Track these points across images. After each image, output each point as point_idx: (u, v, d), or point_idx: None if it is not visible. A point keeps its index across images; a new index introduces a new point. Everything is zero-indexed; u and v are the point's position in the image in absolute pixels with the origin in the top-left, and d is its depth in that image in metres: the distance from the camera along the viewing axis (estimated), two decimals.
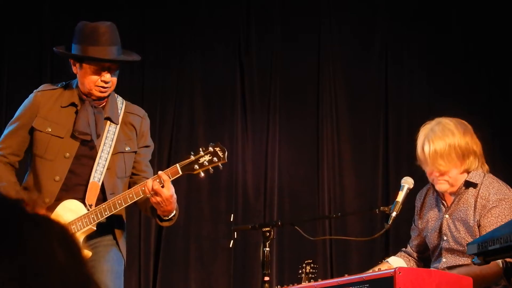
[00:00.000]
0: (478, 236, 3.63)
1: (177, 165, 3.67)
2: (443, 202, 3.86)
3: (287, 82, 5.91)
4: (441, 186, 3.81)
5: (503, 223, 3.58)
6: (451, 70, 5.72)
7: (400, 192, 3.73)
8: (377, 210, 3.79)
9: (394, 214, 3.66)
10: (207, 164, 3.66)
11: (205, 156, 3.66)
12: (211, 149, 3.67)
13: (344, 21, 5.89)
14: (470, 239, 3.64)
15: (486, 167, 3.83)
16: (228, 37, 6.00)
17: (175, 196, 3.68)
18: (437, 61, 5.74)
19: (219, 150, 3.67)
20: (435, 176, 3.80)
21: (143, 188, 3.65)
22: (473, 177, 3.76)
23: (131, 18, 6.02)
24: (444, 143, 3.72)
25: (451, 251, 3.76)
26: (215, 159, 3.66)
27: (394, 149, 5.65)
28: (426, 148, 3.76)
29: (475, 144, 3.78)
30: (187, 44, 6.02)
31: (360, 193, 5.68)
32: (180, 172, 3.66)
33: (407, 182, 3.76)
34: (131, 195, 3.68)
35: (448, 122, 3.79)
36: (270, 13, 5.96)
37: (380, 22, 5.83)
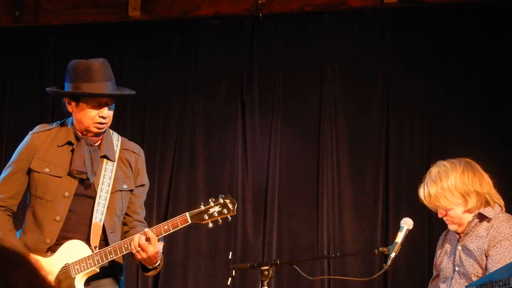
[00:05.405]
0: (485, 267, 3.67)
1: (187, 213, 3.68)
2: (457, 234, 3.87)
3: (288, 121, 5.91)
4: (450, 226, 3.88)
5: (510, 256, 3.60)
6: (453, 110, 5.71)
7: (399, 233, 3.74)
8: (376, 251, 3.80)
9: (393, 255, 3.68)
10: (216, 215, 3.68)
11: (215, 207, 3.69)
12: (221, 200, 3.70)
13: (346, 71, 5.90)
14: (478, 270, 3.68)
15: (499, 203, 3.83)
16: (230, 80, 6.04)
17: (160, 251, 3.69)
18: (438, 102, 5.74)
19: (229, 202, 3.70)
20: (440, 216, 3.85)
21: (126, 245, 3.66)
22: (487, 212, 3.78)
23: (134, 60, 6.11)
24: (436, 187, 3.79)
25: (460, 281, 3.76)
26: (224, 210, 3.69)
27: (394, 189, 5.64)
28: (421, 192, 3.86)
29: (477, 183, 3.79)
30: (190, 85, 6.07)
31: (359, 233, 5.66)
32: (189, 221, 3.67)
33: (406, 223, 3.77)
34: (126, 245, 3.67)
35: (444, 165, 3.85)
36: (272, 64, 6.00)
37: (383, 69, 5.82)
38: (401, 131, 5.73)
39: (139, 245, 3.61)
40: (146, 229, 3.66)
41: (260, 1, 5.84)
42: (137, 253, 3.63)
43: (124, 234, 3.88)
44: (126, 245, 3.68)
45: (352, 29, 5.89)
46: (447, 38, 5.71)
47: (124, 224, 3.92)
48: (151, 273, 3.85)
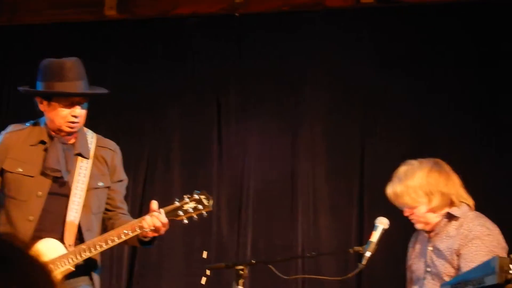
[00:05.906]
0: (456, 266, 3.70)
1: (162, 210, 3.67)
2: (427, 233, 3.88)
3: (265, 122, 5.91)
4: (416, 225, 3.90)
5: (483, 254, 3.63)
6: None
7: (374, 232, 3.76)
8: (351, 250, 3.80)
9: (368, 254, 3.69)
10: (191, 211, 3.68)
11: (190, 203, 3.69)
12: (196, 196, 3.70)
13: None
14: (450, 270, 3.70)
15: (467, 203, 3.85)
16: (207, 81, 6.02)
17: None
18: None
19: (205, 198, 3.70)
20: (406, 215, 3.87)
21: (140, 225, 3.65)
22: (455, 211, 3.80)
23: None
24: (402, 185, 3.84)
25: (432, 282, 3.78)
26: (199, 206, 3.68)
27: (370, 188, 5.64)
28: (388, 190, 3.90)
29: (442, 183, 3.82)
30: (169, 85, 6.05)
31: (334, 232, 5.67)
32: None
33: (382, 223, 3.78)
34: (125, 231, 3.66)
35: (412, 164, 3.90)
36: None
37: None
38: (379, 130, 5.74)
39: (154, 226, 3.64)
40: (156, 213, 3.66)
41: (237, 1, 5.82)
42: (149, 232, 3.67)
43: (112, 225, 3.85)
44: (100, 243, 3.66)
45: (330, 29, 5.89)
46: (427, 38, 5.72)
47: (109, 218, 3.91)
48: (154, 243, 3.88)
